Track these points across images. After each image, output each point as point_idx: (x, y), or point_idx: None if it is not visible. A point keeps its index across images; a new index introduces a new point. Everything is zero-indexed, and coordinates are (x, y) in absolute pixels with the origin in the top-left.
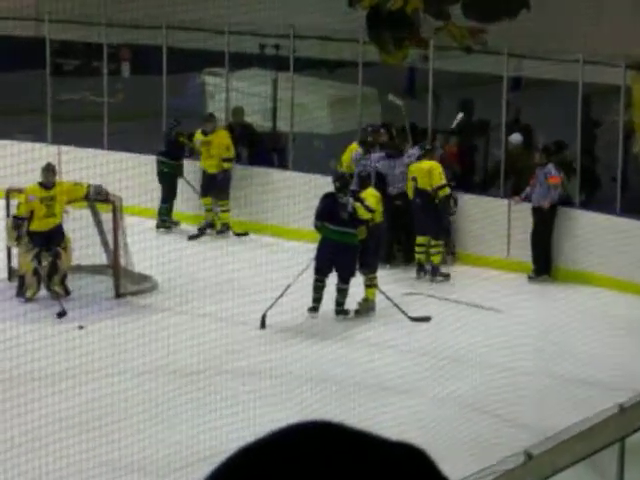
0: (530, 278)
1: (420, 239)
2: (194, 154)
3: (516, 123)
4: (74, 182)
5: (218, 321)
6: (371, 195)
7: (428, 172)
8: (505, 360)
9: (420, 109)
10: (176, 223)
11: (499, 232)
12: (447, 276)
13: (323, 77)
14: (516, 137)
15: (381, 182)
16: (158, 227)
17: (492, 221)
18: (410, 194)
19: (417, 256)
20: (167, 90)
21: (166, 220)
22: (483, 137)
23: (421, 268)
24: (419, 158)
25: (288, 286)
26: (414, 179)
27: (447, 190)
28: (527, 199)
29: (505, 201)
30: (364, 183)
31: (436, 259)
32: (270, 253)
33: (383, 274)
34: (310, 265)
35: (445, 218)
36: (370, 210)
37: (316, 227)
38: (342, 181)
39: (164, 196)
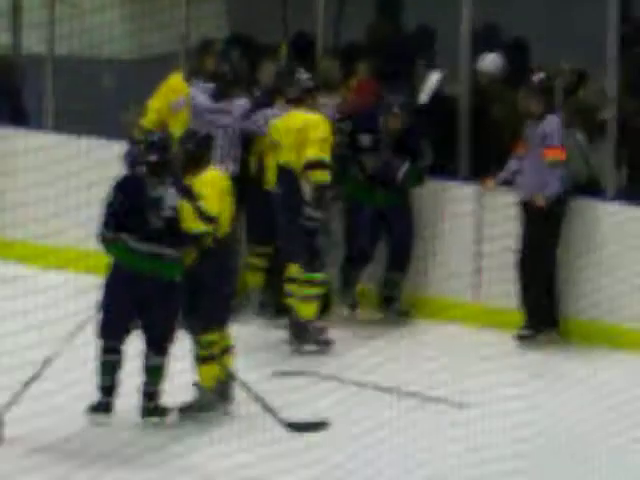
0: (520, 338)
1: (293, 269)
2: None
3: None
4: None
5: None
6: (212, 182)
7: (298, 132)
8: None
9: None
10: None
11: (458, 252)
12: (325, 344)
13: None
14: (491, 60)
15: (244, 152)
16: None
17: (443, 229)
18: (270, 178)
19: (289, 300)
20: None
21: None
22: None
23: (298, 324)
24: (296, 101)
25: (46, 362)
26: (276, 146)
27: (325, 175)
28: (508, 183)
29: (469, 189)
30: (199, 157)
31: (305, 311)
32: (3, 298)
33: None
34: (90, 320)
35: (323, 227)
36: (206, 217)
37: (103, 243)
38: (157, 153)
39: None
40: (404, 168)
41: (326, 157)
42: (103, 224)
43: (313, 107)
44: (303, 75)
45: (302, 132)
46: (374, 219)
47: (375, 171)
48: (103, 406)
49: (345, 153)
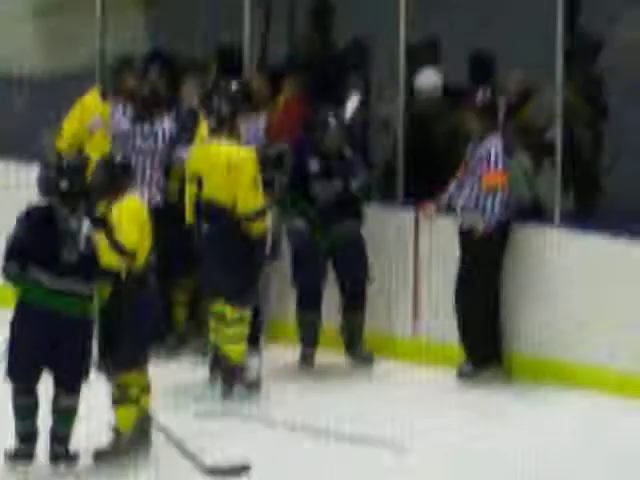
0: (461, 375)
1: (219, 305)
2: None
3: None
4: None
5: None
6: (130, 212)
7: (226, 171)
8: None
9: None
10: None
11: (395, 282)
12: (254, 386)
13: None
14: (428, 76)
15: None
16: None
17: (379, 257)
18: (188, 214)
19: (211, 338)
20: None
21: None
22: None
23: (216, 362)
24: (215, 130)
25: None
26: (196, 179)
27: (264, 224)
28: (449, 207)
29: (406, 215)
30: (117, 184)
31: (233, 351)
32: None
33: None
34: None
35: (259, 267)
36: (123, 251)
37: (9, 278)
38: (69, 180)
39: None
40: (363, 174)
41: (262, 203)
42: (6, 257)
43: (233, 134)
44: (222, 99)
45: (230, 172)
46: (324, 255)
47: (328, 201)
48: (22, 453)
49: (291, 183)
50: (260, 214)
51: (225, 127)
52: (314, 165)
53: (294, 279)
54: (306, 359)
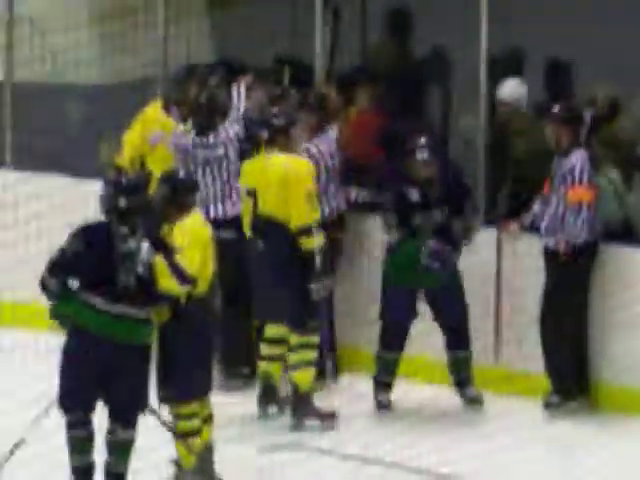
0: (547, 406)
1: (271, 329)
2: None
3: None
4: None
5: None
6: (192, 233)
7: (280, 186)
8: None
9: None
10: None
11: (475, 308)
12: (329, 417)
13: None
14: (511, 87)
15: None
16: None
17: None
18: (246, 228)
19: (261, 366)
20: None
21: None
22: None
23: (268, 392)
24: (269, 143)
25: (13, 449)
26: (251, 194)
27: (315, 240)
28: (533, 227)
29: (488, 235)
30: (180, 201)
31: (301, 379)
32: None
33: (221, 402)
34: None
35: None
36: (183, 276)
37: (48, 294)
38: (126, 197)
39: None
40: (474, 209)
41: (316, 218)
42: (49, 270)
43: (288, 147)
44: (279, 111)
45: (284, 186)
46: (413, 295)
47: (428, 234)
48: None
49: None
50: (312, 229)
51: (279, 139)
52: (414, 194)
53: (381, 313)
54: (381, 405)
